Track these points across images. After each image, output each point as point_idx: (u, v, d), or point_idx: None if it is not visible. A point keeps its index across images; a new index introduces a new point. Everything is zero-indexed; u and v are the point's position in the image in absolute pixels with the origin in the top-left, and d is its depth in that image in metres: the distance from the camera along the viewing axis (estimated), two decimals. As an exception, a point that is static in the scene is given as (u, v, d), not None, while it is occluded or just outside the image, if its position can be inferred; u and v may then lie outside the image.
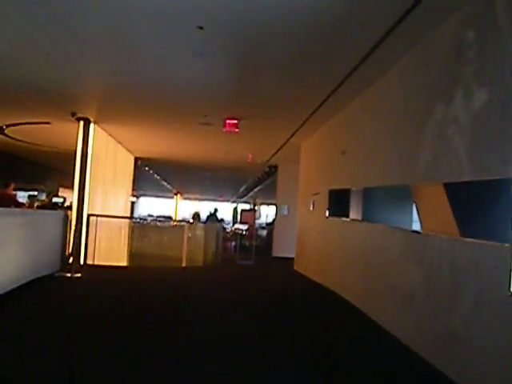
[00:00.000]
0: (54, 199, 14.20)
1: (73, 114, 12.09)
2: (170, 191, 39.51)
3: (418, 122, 6.35)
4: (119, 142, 16.51)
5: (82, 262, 12.78)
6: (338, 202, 10.31)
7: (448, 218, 5.55)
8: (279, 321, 7.48)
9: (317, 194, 12.25)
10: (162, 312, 7.54)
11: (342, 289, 9.40)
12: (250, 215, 17.83)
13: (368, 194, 8.63)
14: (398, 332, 6.43)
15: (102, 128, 13.97)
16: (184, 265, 15.13)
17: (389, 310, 6.95)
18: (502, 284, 4.22)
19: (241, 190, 35.18)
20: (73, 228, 12.52)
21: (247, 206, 35.28)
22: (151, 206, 49.19)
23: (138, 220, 18.97)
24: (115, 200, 16.52)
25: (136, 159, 20.10)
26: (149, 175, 26.11)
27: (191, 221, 25.49)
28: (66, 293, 8.66)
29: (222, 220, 29.32)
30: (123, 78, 9.35)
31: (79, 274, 10.17)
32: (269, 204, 37.47)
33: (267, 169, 21.38)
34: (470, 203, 5.31)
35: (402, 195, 7.72)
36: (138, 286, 9.93)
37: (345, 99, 9.66)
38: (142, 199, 48.59)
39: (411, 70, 6.84)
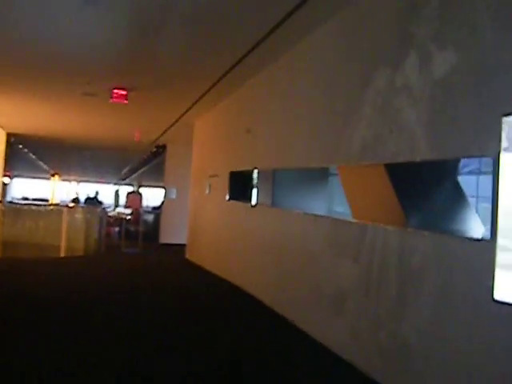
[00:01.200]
0: None
1: None
2: (47, 172, 36.83)
3: (351, 93, 5.41)
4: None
5: None
6: (241, 186, 9.30)
7: (392, 205, 4.66)
8: (178, 327, 6.37)
9: (214, 176, 11.17)
10: (32, 320, 6.20)
11: (249, 285, 8.38)
12: (135, 198, 16.40)
13: (280, 177, 7.68)
14: (325, 339, 5.51)
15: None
16: (62, 254, 13.54)
17: (313, 312, 6.02)
18: (474, 287, 3.38)
19: (123, 171, 33.37)
20: None
21: (132, 189, 33.54)
22: (26, 188, 45.98)
23: (10, 204, 16.88)
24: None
25: (8, 135, 17.99)
26: (24, 154, 23.83)
27: (70, 205, 23.74)
28: None
29: (101, 203, 27.66)
30: None
31: None
32: (154, 187, 35.95)
33: (154, 149, 20.00)
34: (420, 188, 4.46)
35: (319, 178, 6.87)
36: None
37: (252, 70, 8.62)
38: (15, 180, 45.23)
39: (342, 31, 5.88)
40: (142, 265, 12.42)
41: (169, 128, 14.57)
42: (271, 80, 8.20)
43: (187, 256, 13.41)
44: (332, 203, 7.13)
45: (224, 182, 10.26)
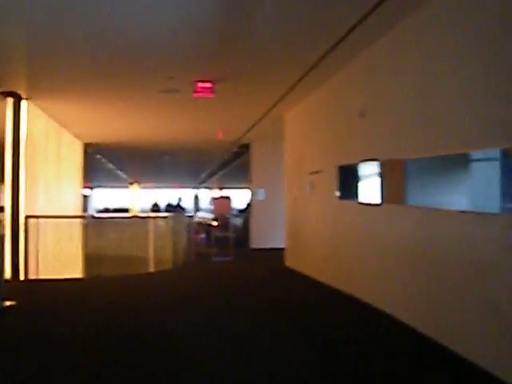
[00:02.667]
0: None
1: (-4, 87, 9.27)
2: (126, 181, 36.45)
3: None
4: (63, 126, 13.65)
5: (22, 277, 10.07)
6: (353, 181, 7.86)
7: None
8: (303, 361, 4.98)
9: (317, 172, 9.76)
10: (135, 357, 4.98)
11: (379, 300, 6.91)
12: (224, 203, 15.12)
13: (408, 168, 6.19)
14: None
15: (39, 107, 11.15)
16: (152, 269, 12.45)
17: (488, 341, 4.50)
18: None
19: (203, 175, 32.46)
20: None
21: (218, 193, 32.47)
22: (107, 199, 46.06)
23: (93, 217, 16.05)
24: (62, 195, 13.69)
25: (85, 146, 17.20)
26: (102, 164, 23.20)
27: (152, 214, 22.96)
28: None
29: (184, 210, 26.76)
30: (58, 32, 6.81)
31: (10, 303, 7.40)
32: (236, 188, 34.90)
33: (236, 149, 18.79)
34: None
35: (456, 166, 5.39)
36: (95, 313, 7.17)
37: (361, 44, 7.19)
38: (96, 191, 45.36)
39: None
40: (237, 276, 11.11)
41: (255, 124, 13.27)
42: (393, 51, 6.70)
43: (287, 263, 12.05)
44: (481, 196, 5.56)
45: (330, 179, 8.84)
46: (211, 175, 30.66)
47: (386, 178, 6.82)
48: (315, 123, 10.22)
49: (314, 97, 10.14)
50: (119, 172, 29.57)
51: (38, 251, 10.40)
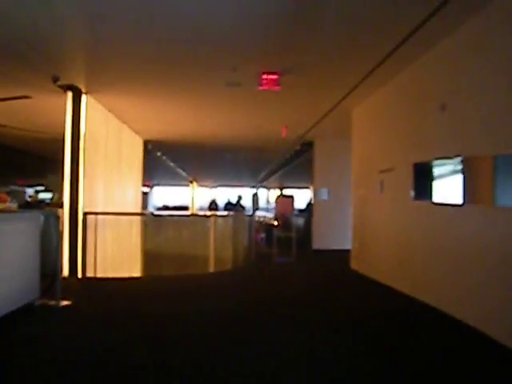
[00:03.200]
0: (41, 195, 11.16)
1: (55, 80, 8.96)
2: (186, 179, 36.34)
3: None
4: (124, 122, 13.41)
5: (79, 275, 9.82)
6: (429, 180, 7.19)
7: None
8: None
9: (388, 170, 9.13)
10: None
11: (474, 318, 6.26)
12: (286, 202, 14.57)
13: (505, 164, 5.50)
14: None
15: (99, 101, 10.90)
16: (211, 268, 12.03)
17: None
18: None
19: (262, 174, 31.98)
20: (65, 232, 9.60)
21: (281, 192, 31.85)
22: (166, 196, 46.24)
23: (152, 215, 15.78)
24: (122, 192, 13.46)
25: (146, 143, 16.98)
26: (162, 161, 23.01)
27: (208, 213, 22.66)
28: (32, 346, 5.38)
29: (244, 208, 26.30)
30: (120, 25, 6.63)
31: (67, 302, 7.09)
32: (296, 188, 34.35)
33: (298, 147, 18.21)
34: None
35: None
36: (155, 317, 6.74)
37: (440, 32, 6.56)
38: (156, 189, 45.59)
39: None
40: (301, 278, 10.57)
41: (320, 120, 12.68)
42: (483, 34, 6.03)
43: (353, 265, 11.43)
44: None
45: (404, 177, 8.20)
46: (270, 174, 30.14)
47: (471, 176, 6.15)
48: (387, 118, 9.57)
49: (386, 90, 9.51)
50: (179, 170, 29.40)
51: (95, 249, 10.12)
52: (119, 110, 12.01)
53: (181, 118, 13.41)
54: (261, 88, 8.46)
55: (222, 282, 10.06)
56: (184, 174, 32.20)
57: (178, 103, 11.65)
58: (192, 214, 18.38)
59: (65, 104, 9.90)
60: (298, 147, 18.18)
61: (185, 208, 37.28)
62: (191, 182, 38.20)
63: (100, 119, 11.25)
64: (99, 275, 10.33)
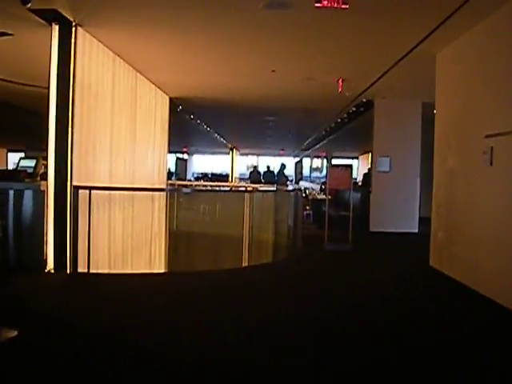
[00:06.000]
0: (23, 162, 8.65)
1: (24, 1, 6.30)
2: (226, 146, 33.71)
3: None
4: (140, 71, 10.71)
5: (68, 270, 7.30)
6: None
7: None
8: None
9: (501, 134, 6.25)
10: None
11: None
12: (343, 175, 11.69)
13: None
14: None
15: (100, 39, 8.24)
16: (245, 263, 9.30)
17: None
18: None
19: (308, 141, 29.02)
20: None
21: (336, 162, 28.75)
22: (206, 164, 44.15)
23: (173, 190, 13.02)
24: (138, 161, 10.80)
25: (173, 101, 14.28)
26: (197, 126, 20.41)
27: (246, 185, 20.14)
28: None
29: (287, 178, 23.68)
30: None
31: (11, 333, 4.49)
32: (347, 158, 31.42)
33: (353, 108, 15.32)
34: None
35: None
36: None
37: None
38: (195, 156, 43.39)
39: None
40: (365, 285, 7.52)
41: (389, 69, 9.78)
42: None
43: (433, 262, 8.60)
44: None
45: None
46: (318, 141, 27.13)
47: None
48: (499, 57, 6.62)
49: (494, 18, 6.57)
50: (217, 136, 26.79)
51: (89, 235, 7.55)
52: (131, 53, 9.32)
53: (212, 67, 10.63)
54: (319, 5, 5.64)
55: (259, 287, 7.25)
56: (223, 140, 29.58)
57: (209, 45, 8.90)
58: (222, 190, 15.37)
59: (50, 42, 7.28)
60: (352, 108, 15.32)
61: (224, 176, 34.92)
62: (231, 149, 35.57)
63: (102, 64, 8.56)
64: (101, 270, 7.87)
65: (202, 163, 44.56)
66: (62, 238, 7.23)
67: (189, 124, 19.23)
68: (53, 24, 7.22)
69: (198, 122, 19.72)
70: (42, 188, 7.44)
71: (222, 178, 33.75)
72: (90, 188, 7.50)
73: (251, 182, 22.23)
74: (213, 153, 41.70)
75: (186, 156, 36.88)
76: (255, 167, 27.16)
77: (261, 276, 7.99)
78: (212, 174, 35.83)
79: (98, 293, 6.43)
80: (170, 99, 13.81)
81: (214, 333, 4.91)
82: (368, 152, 29.45)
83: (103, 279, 7.34)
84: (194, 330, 5.00)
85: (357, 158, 35.88)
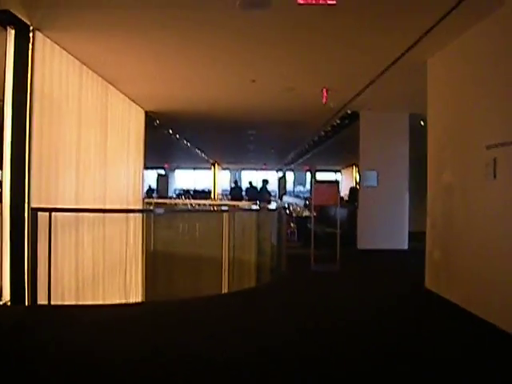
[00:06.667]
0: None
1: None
2: (207, 161, 33.05)
3: None
4: (110, 82, 10.01)
5: (26, 301, 6.53)
6: None
7: None
8: None
9: (504, 145, 5.64)
10: None
11: None
12: (329, 190, 11.03)
13: None
14: None
15: (64, 46, 7.54)
16: (225, 289, 8.54)
17: None
18: None
19: (290, 155, 28.44)
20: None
21: (320, 176, 28.10)
22: (188, 180, 43.49)
23: (145, 210, 12.17)
24: (110, 179, 10.06)
25: (149, 115, 13.58)
26: (175, 141, 19.73)
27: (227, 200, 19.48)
28: None
29: (270, 194, 22.97)
30: None
31: None
32: (329, 171, 30.77)
33: (337, 121, 14.72)
34: None
35: None
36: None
37: None
38: (177, 172, 42.68)
39: None
40: (355, 313, 6.77)
41: (376, 78, 9.17)
42: None
43: (428, 284, 7.93)
44: None
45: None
46: (301, 155, 26.53)
47: None
48: (498, 64, 6.01)
49: (488, 23, 5.99)
50: (198, 151, 26.13)
51: (50, 261, 6.79)
52: (99, 62, 8.61)
53: (188, 77, 9.96)
54: (302, 1, 5.00)
55: (238, 318, 6.54)
56: (204, 156, 28.92)
57: (182, 52, 8.24)
58: (199, 210, 14.51)
59: (4, 49, 6.56)
60: (336, 121, 14.72)
61: (207, 193, 34.22)
62: (213, 164, 34.92)
63: (66, 73, 7.84)
64: (67, 301, 7.12)
65: (184, 179, 43.88)
66: (18, 265, 6.47)
67: (168, 139, 18.56)
68: (8, 28, 6.49)
69: (177, 137, 19.06)
70: (-4, 210, 6.67)
71: (205, 194, 33.04)
72: (51, 210, 6.75)
73: (232, 199, 21.51)
74: (194, 168, 41.05)
75: (164, 172, 36.24)
76: (236, 183, 26.44)
77: (242, 304, 7.22)
78: (194, 191, 35.06)
79: (56, 330, 5.66)
80: (146, 113, 13.11)
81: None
82: (352, 165, 29.00)
83: (65, 312, 6.57)
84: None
85: (339, 171, 35.37)
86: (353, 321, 6.28)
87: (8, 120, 6.51)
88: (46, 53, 7.02)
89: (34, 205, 6.57)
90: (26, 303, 6.51)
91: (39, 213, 6.59)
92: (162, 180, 31.47)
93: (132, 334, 5.49)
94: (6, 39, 6.52)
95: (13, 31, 6.52)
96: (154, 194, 28.41)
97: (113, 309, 7.01)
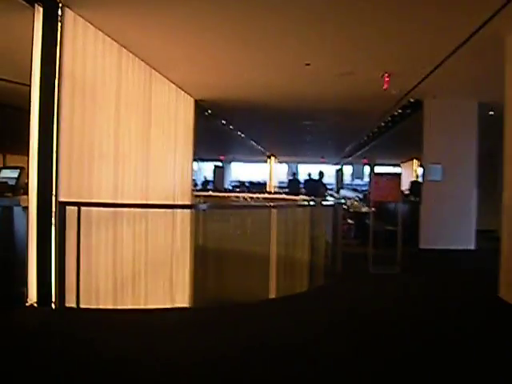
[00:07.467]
0: (4, 173, 7.38)
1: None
2: (263, 154, 32.46)
3: None
4: (155, 68, 9.38)
5: (54, 304, 5.97)
6: None
7: None
8: None
9: None
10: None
11: None
12: (390, 185, 10.12)
13: None
14: None
15: (97, 26, 6.91)
16: (273, 294, 7.79)
17: None
18: None
19: (348, 147, 27.45)
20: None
21: (379, 169, 27.09)
22: (244, 172, 43.36)
23: (185, 206, 11.41)
24: (155, 171, 9.45)
25: (200, 105, 12.92)
26: (232, 133, 19.16)
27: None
28: None
29: (326, 187, 22.01)
30: None
31: None
32: (389, 165, 29.65)
33: (399, 110, 13.75)
34: None
35: None
36: None
37: None
38: (233, 165, 42.51)
39: None
40: (420, 327, 5.96)
41: (444, 60, 8.23)
42: None
43: (503, 293, 7.00)
44: None
45: None
46: (358, 148, 25.50)
47: None
48: None
49: None
50: (253, 143, 25.51)
51: (79, 260, 6.21)
52: (140, 45, 7.98)
53: (238, 63, 9.26)
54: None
55: (292, 333, 5.75)
56: (260, 148, 28.32)
57: (231, 35, 7.51)
58: (246, 206, 13.64)
59: (32, 26, 5.98)
60: (397, 110, 13.75)
61: (262, 185, 33.70)
62: (269, 157, 34.28)
63: (103, 56, 7.25)
64: (103, 304, 6.57)
65: (241, 171, 43.71)
66: (45, 264, 5.91)
67: (222, 130, 17.98)
68: (35, 5, 5.91)
69: (231, 128, 18.43)
70: (23, 204, 6.14)
71: (260, 186, 32.57)
72: (80, 204, 6.15)
73: (289, 193, 20.70)
74: (250, 161, 40.62)
75: (221, 164, 36.18)
76: (294, 175, 25.68)
77: (290, 313, 6.44)
78: (249, 183, 34.74)
79: (82, 334, 5.05)
80: (196, 102, 12.45)
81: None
82: (412, 159, 27.77)
83: (94, 315, 5.97)
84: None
85: (398, 165, 34.01)
86: (421, 339, 5.41)
87: (35, 106, 5.94)
88: (78, 33, 6.41)
89: (62, 198, 5.98)
90: (53, 305, 5.94)
91: (68, 207, 6.00)
92: (219, 172, 31.71)
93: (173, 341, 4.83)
94: (34, 17, 5.95)
95: (41, 9, 5.94)
96: (210, 186, 28.36)
97: (149, 315, 6.38)
